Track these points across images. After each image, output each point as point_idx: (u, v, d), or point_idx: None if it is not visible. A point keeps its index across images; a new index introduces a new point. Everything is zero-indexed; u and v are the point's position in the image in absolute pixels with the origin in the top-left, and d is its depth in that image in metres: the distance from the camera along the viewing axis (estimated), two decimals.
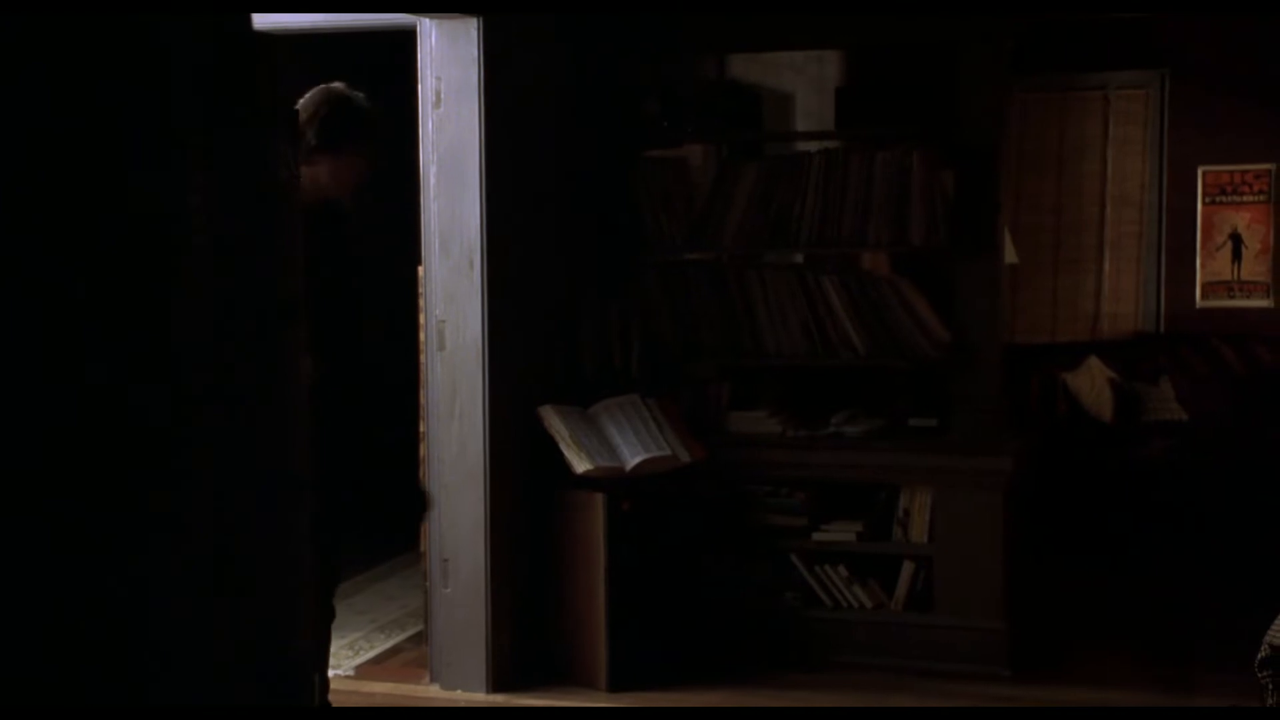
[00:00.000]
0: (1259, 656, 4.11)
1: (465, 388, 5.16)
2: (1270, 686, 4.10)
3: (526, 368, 5.38)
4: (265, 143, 2.22)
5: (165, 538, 2.00)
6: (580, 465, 5.18)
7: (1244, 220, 8.34)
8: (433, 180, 5.17)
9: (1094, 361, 7.93)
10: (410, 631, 5.97)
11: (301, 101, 4.07)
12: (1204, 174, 8.37)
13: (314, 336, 4.26)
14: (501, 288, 5.21)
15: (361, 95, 4.18)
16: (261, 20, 4.99)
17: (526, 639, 5.32)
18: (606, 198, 5.78)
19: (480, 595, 5.18)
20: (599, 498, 5.16)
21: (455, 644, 5.24)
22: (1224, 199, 8.36)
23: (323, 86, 4.14)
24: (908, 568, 5.54)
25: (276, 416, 2.28)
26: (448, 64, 5.09)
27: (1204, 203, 8.39)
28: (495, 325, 5.17)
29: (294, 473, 2.31)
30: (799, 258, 6.17)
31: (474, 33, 5.03)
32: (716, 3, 5.58)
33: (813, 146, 5.95)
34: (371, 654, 5.73)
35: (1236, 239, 8.36)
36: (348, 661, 5.60)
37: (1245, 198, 8.32)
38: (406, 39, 5.21)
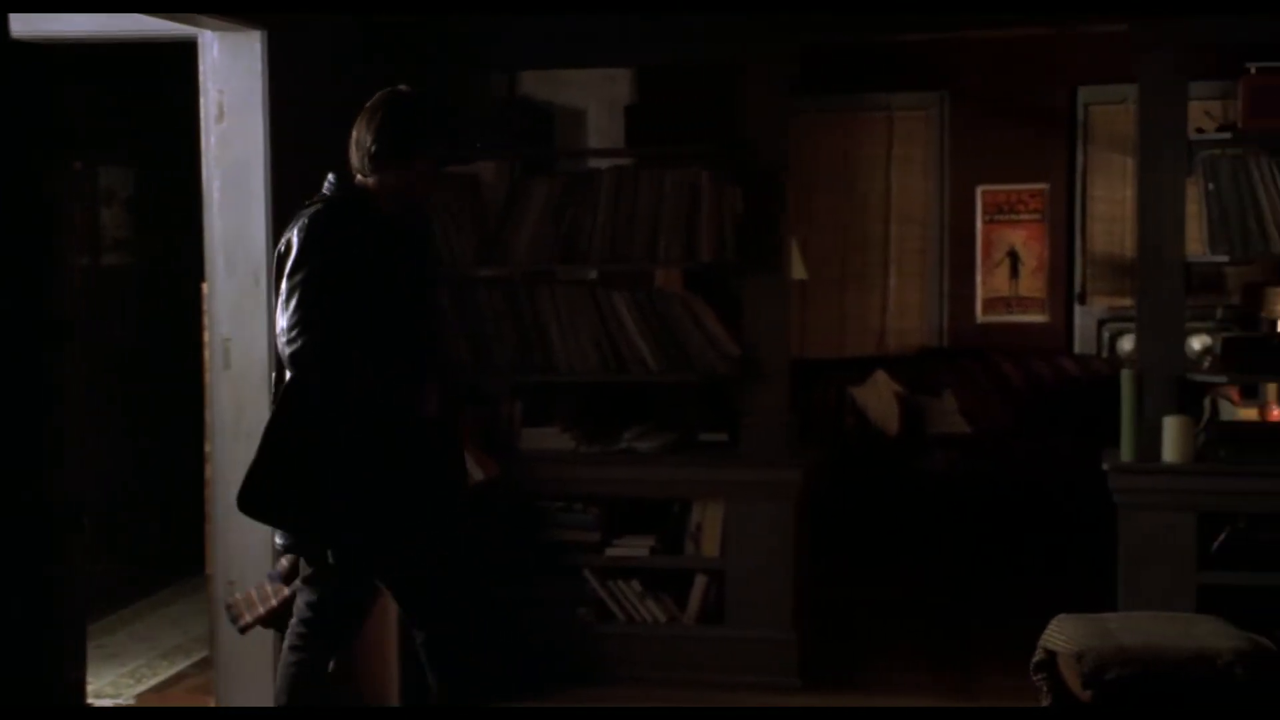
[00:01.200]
0: (1034, 660, 4.25)
1: (252, 407, 5.05)
2: (1045, 688, 4.24)
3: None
4: (25, 156, 2.14)
5: None
6: None
7: (1021, 238, 8.64)
8: (217, 195, 5.05)
9: (880, 375, 8.13)
10: (195, 657, 5.82)
11: (366, 107, 4.03)
12: (983, 193, 8.67)
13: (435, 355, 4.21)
14: None
15: (427, 94, 4.09)
16: (31, 28, 4.83)
17: None
18: None
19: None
20: None
21: (243, 669, 5.11)
22: (1002, 217, 8.66)
23: (386, 90, 4.07)
24: (700, 581, 5.60)
25: (32, 439, 2.20)
26: (231, 77, 4.99)
27: (983, 221, 8.68)
28: None
29: (50, 499, 2.22)
30: (591, 274, 6.20)
31: (258, 46, 4.94)
32: (506, 20, 5.58)
33: (604, 164, 5.98)
34: (154, 681, 5.58)
35: (1014, 256, 8.66)
36: (129, 690, 5.44)
37: (1022, 216, 8.63)
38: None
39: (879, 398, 7.99)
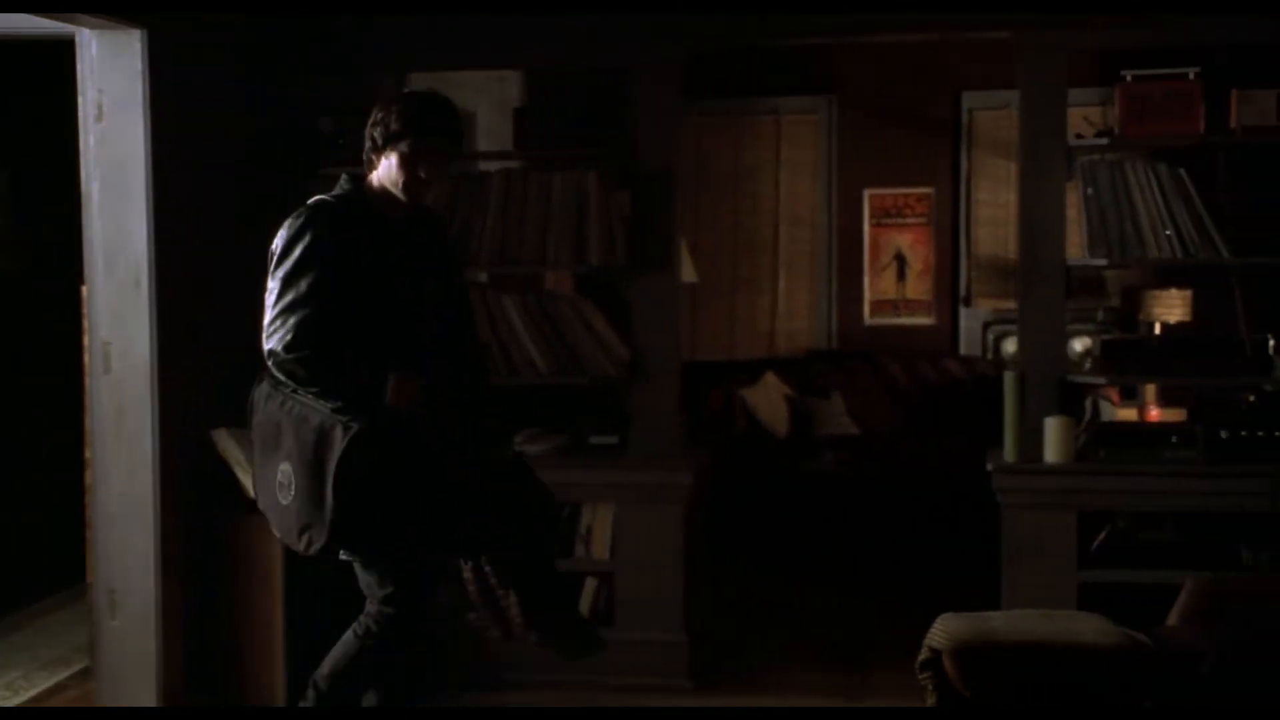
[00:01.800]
0: (919, 659, 4.30)
1: (133, 412, 4.97)
2: (930, 687, 4.28)
3: (201, 390, 5.22)
4: None
5: None
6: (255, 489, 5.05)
7: (907, 241, 8.75)
8: (96, 196, 4.96)
9: (770, 377, 8.19)
10: (76, 668, 5.70)
11: None
12: (870, 196, 8.76)
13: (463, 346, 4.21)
14: (173, 307, 5.04)
15: (423, 91, 4.13)
16: None
17: (202, 670, 5.15)
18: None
19: (151, 627, 4.99)
20: None
21: (125, 679, 5.03)
22: (889, 221, 8.76)
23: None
24: (590, 584, 5.61)
25: None
26: (110, 76, 4.90)
27: (870, 224, 8.78)
28: (166, 346, 5.00)
29: None
30: (481, 277, 6.17)
31: (138, 45, 4.86)
32: (394, 21, 5.54)
33: (494, 166, 5.96)
34: (33, 693, 5.45)
35: (901, 259, 8.76)
36: (6, 703, 5.32)
37: (908, 219, 8.74)
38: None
39: (769, 399, 8.05)
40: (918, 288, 8.77)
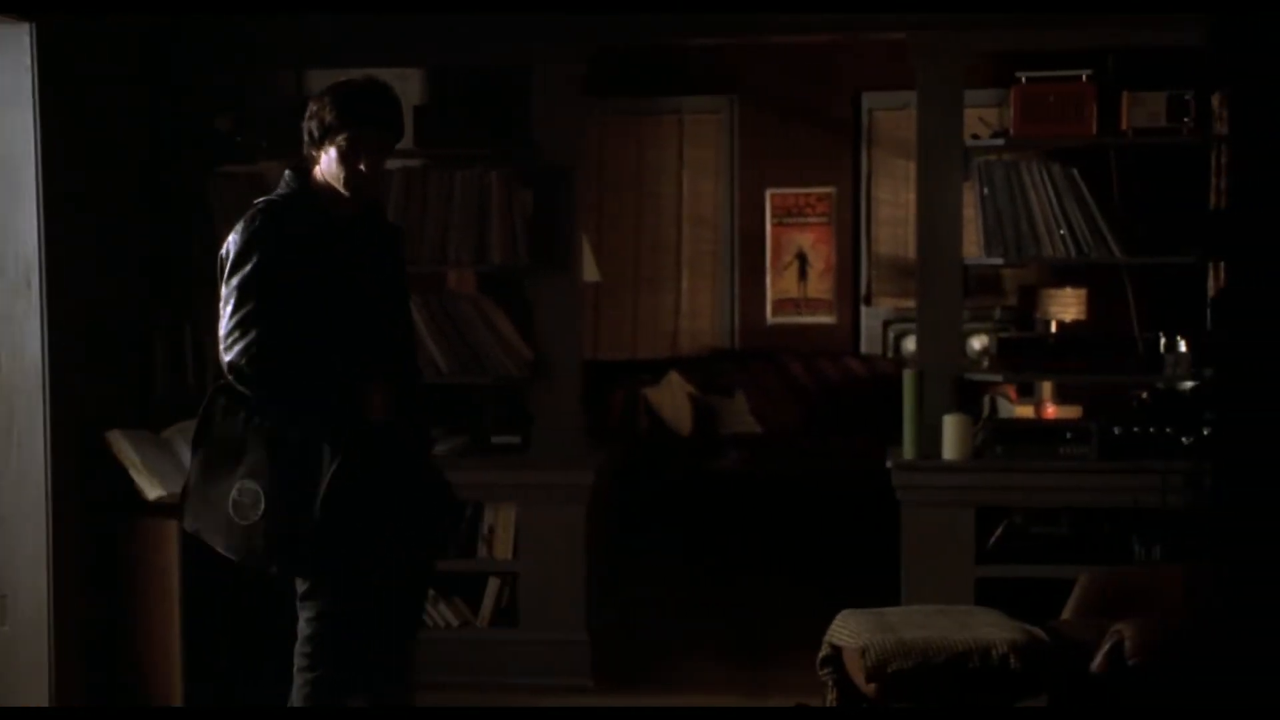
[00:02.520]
0: (820, 655, 4.33)
1: (24, 414, 4.88)
2: (830, 683, 4.32)
3: (95, 392, 5.13)
4: None
5: None
6: (152, 492, 4.99)
7: (809, 240, 8.82)
8: None
9: (674, 377, 8.21)
10: None
11: None
12: (772, 196, 8.82)
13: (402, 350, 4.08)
14: (66, 307, 4.95)
15: (359, 80, 3.94)
16: None
17: (97, 676, 5.07)
18: (183, 215, 5.59)
19: (43, 632, 4.89)
20: (172, 525, 4.96)
21: (15, 686, 4.92)
22: (790, 220, 8.82)
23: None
24: (493, 584, 5.59)
25: None
26: None
27: (772, 224, 8.83)
28: (58, 347, 4.90)
29: None
30: None
31: (26, 39, 4.76)
32: (293, 17, 5.48)
33: (394, 164, 5.90)
34: None
35: (802, 258, 8.82)
36: None
37: (809, 219, 8.80)
38: None
39: (672, 399, 8.07)
40: (819, 287, 8.83)
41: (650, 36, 5.85)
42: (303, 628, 3.97)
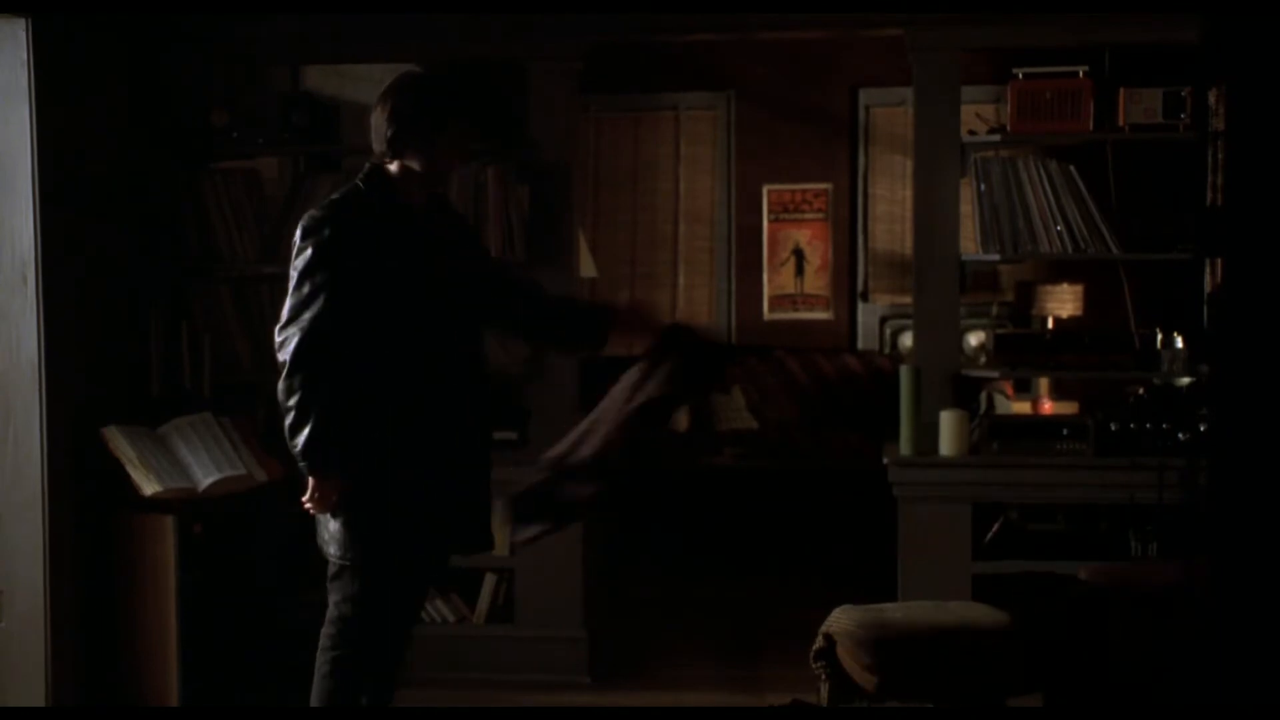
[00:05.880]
0: (814, 648, 4.33)
1: (20, 410, 4.88)
2: (824, 676, 4.32)
3: (91, 388, 5.13)
4: None
5: None
6: (148, 487, 4.98)
7: (805, 237, 8.81)
8: None
9: None
10: None
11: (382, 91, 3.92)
12: (768, 192, 8.81)
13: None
14: (62, 304, 4.95)
15: (443, 73, 4.03)
16: None
17: (94, 671, 5.07)
18: (177, 211, 5.59)
19: (39, 629, 4.89)
20: (169, 520, 4.97)
21: (12, 682, 4.93)
22: (787, 216, 8.82)
23: (402, 72, 3.99)
24: (490, 580, 5.59)
25: None
26: None
27: (769, 220, 8.82)
28: (54, 344, 4.91)
29: None
30: None
31: (22, 34, 4.76)
32: (290, 14, 5.48)
33: None
34: None
35: (799, 254, 8.82)
36: None
37: (806, 215, 8.80)
38: None
39: None
40: (816, 283, 8.83)
41: (647, 33, 5.85)
42: (330, 609, 4.06)
